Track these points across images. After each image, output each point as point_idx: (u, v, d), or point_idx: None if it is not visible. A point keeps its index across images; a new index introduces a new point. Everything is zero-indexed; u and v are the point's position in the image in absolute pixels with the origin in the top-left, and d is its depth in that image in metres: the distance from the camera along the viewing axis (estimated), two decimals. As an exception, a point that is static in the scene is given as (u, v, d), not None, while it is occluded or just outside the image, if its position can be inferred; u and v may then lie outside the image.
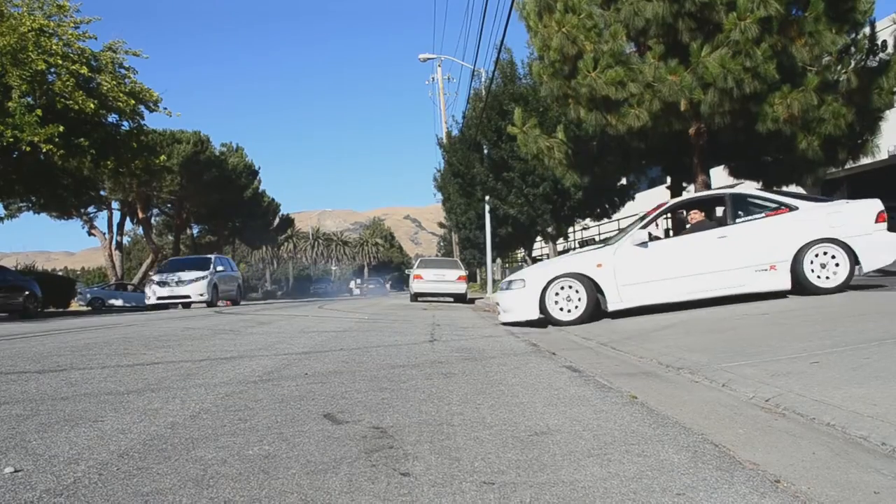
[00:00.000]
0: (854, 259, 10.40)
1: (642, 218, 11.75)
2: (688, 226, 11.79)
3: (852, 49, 14.57)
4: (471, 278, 52.59)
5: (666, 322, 8.88)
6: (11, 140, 23.11)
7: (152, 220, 56.68)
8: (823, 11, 12.47)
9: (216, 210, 55.88)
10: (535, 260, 38.75)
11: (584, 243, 35.51)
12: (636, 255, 10.98)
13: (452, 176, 34.09)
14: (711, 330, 7.57)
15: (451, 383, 5.33)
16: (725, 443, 3.54)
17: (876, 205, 10.71)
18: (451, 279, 27.33)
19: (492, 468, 3.15)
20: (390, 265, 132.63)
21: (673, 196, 18.52)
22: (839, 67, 14.44)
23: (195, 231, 64.12)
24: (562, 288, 10.85)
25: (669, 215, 13.64)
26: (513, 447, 3.48)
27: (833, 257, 10.48)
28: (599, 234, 38.52)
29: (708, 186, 15.02)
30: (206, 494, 2.84)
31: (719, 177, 17.37)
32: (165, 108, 28.97)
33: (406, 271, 37.91)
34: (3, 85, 23.79)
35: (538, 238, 37.13)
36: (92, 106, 24.77)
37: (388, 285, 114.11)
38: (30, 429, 3.94)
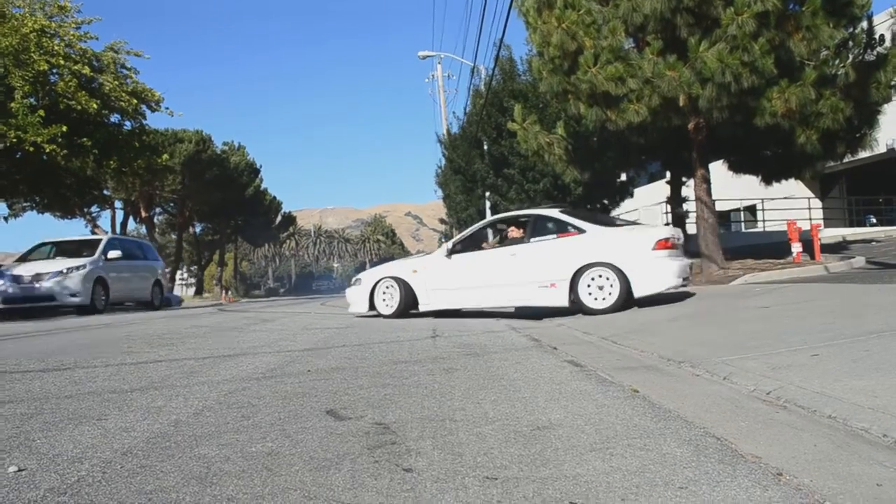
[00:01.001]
0: (627, 283, 10.95)
1: (477, 230, 13.32)
2: (506, 240, 12.79)
3: (850, 43, 14.58)
4: None
5: (675, 313, 8.90)
6: (15, 140, 23.16)
7: (155, 219, 56.84)
8: (821, 6, 12.49)
9: (218, 208, 56.25)
10: None
11: None
12: (443, 265, 12.69)
13: (453, 173, 33.94)
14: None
15: (453, 379, 5.34)
16: (727, 436, 3.55)
17: (658, 233, 11.22)
18: None
19: (494, 463, 3.16)
20: (392, 261, 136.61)
21: (672, 192, 18.55)
22: (837, 62, 14.45)
23: (198, 229, 64.31)
24: (387, 287, 13.04)
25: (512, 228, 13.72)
26: (515, 442, 3.49)
27: (608, 279, 11.09)
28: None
29: (707, 181, 15.03)
30: (210, 492, 2.85)
31: (719, 171, 17.40)
32: (167, 108, 29.07)
33: None
34: (5, 86, 23.83)
35: None
36: (95, 106, 24.82)
37: None
38: (34, 427, 3.96)
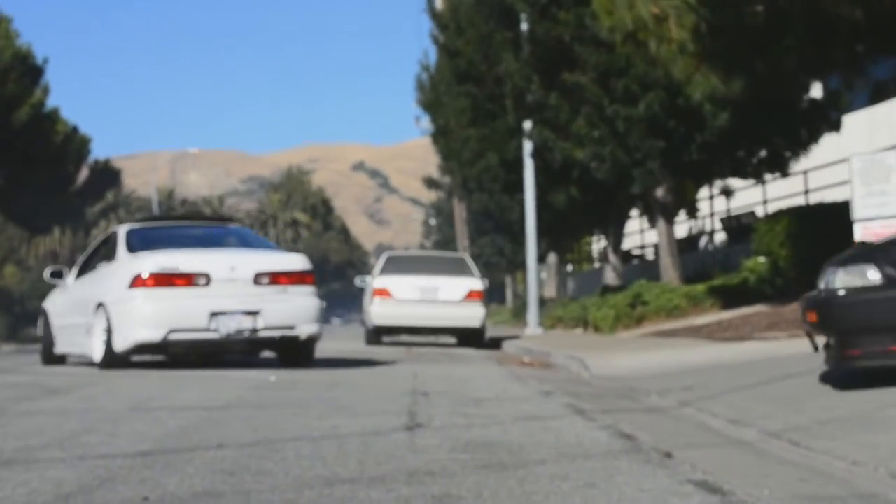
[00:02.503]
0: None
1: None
2: None
3: None
4: (493, 294, 31.52)
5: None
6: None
7: None
8: None
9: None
10: (627, 256, 23.54)
11: (731, 221, 20.81)
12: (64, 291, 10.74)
13: (457, 79, 20.13)
14: None
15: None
16: None
17: (137, 265, 8.77)
18: (451, 297, 15.58)
19: None
20: (326, 267, 76.31)
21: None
22: None
23: None
24: None
25: None
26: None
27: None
28: (766, 202, 19.17)
29: None
30: None
31: None
32: None
33: (358, 281, 19.42)
34: None
35: (634, 210, 21.29)
36: None
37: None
38: None
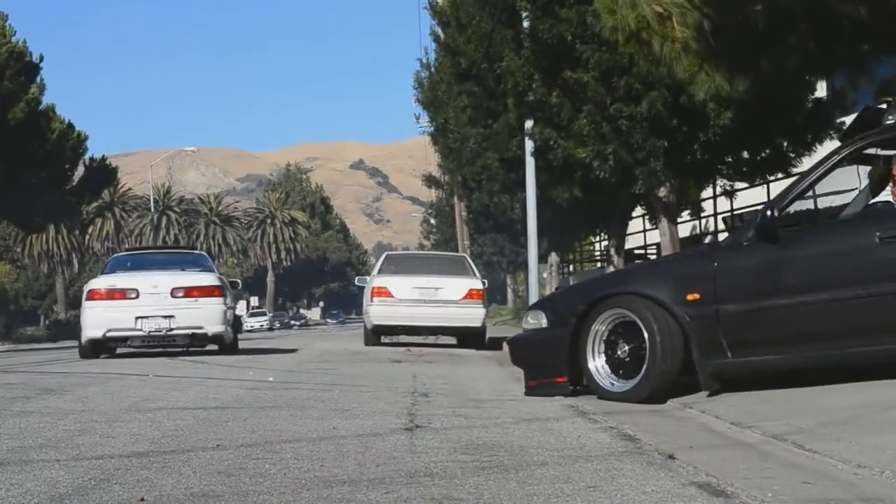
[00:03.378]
0: None
1: None
2: None
3: None
4: (494, 294, 32.98)
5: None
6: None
7: None
8: None
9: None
10: (630, 255, 21.89)
11: (734, 221, 19.75)
12: None
13: (457, 78, 19.50)
14: None
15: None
16: None
17: (94, 283, 12.38)
18: (451, 296, 15.35)
19: None
20: (323, 267, 78.78)
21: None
22: None
23: None
24: None
25: None
26: None
27: None
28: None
29: None
30: None
31: None
32: None
33: (356, 282, 19.70)
34: None
35: (637, 209, 20.23)
36: None
37: (317, 314, 74.60)
38: None
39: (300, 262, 76.27)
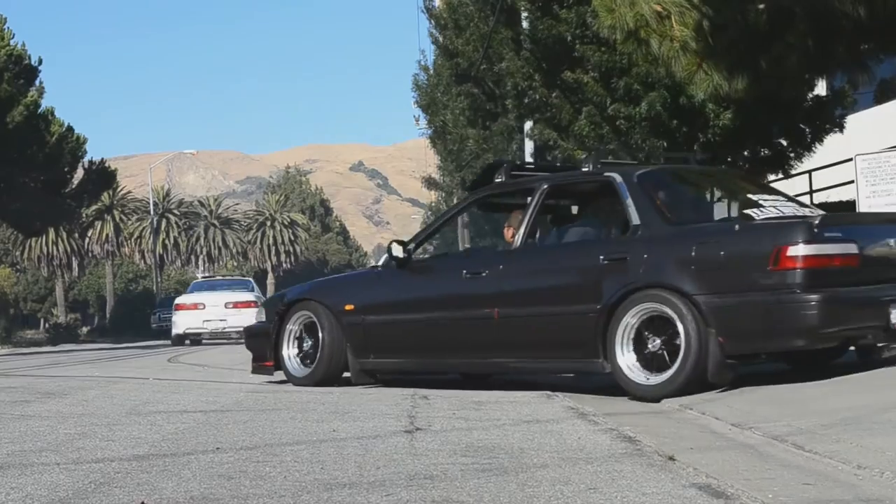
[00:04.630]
0: None
1: None
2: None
3: None
4: None
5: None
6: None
7: None
8: None
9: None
10: None
11: None
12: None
13: (455, 79, 19.54)
14: None
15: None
16: None
17: (179, 300, 24.54)
18: None
19: None
20: (324, 269, 72.79)
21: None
22: None
23: None
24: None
25: None
26: None
27: None
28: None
29: None
30: None
31: None
32: None
33: None
34: None
35: None
36: None
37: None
38: None
39: (300, 264, 74.76)
